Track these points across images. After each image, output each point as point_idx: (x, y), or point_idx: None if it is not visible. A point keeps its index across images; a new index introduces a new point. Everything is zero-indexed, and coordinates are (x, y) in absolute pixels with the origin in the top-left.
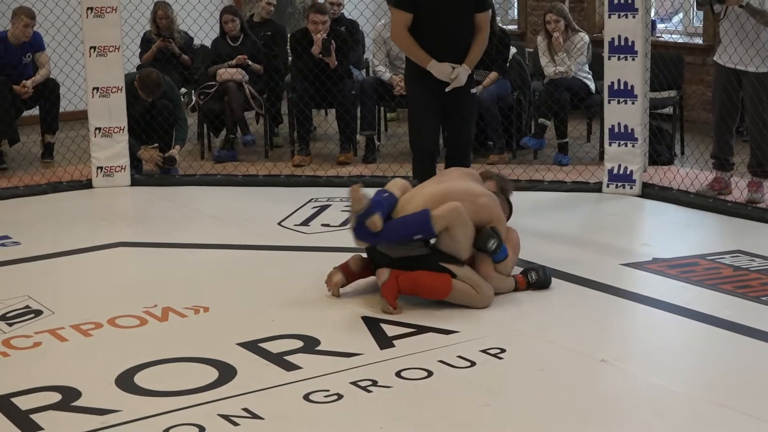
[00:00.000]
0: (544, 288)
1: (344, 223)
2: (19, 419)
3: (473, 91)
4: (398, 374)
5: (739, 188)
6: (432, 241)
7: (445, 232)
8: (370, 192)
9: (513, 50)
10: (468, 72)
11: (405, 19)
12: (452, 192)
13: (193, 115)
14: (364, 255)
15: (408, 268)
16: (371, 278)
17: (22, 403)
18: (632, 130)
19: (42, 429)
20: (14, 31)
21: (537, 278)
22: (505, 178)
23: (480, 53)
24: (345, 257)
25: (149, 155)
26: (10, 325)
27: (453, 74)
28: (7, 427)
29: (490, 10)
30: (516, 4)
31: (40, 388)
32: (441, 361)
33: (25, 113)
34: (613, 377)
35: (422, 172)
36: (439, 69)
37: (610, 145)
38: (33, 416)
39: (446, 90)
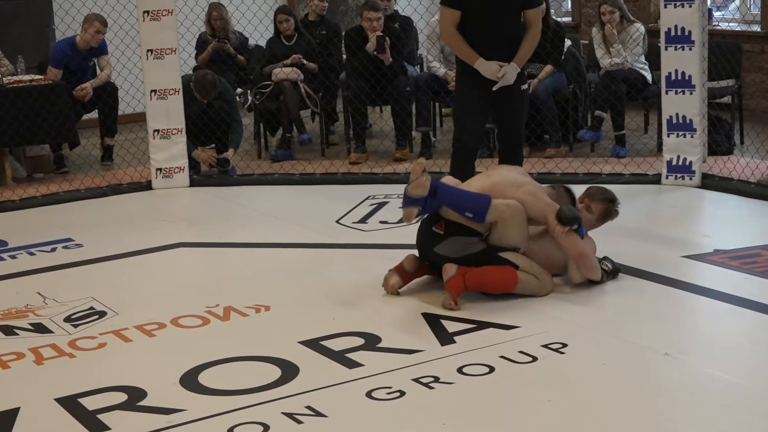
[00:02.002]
0: (618, 273)
1: (402, 220)
2: (87, 419)
3: (524, 87)
4: (460, 370)
5: None
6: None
7: (495, 227)
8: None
9: (568, 43)
10: (517, 70)
11: (453, 17)
12: (500, 184)
13: (250, 115)
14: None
15: (473, 265)
16: (428, 276)
17: (89, 403)
18: (691, 120)
19: (109, 429)
20: (84, 36)
21: (611, 266)
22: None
23: (530, 51)
24: (404, 254)
25: (205, 156)
26: (75, 326)
27: (500, 73)
28: (75, 427)
29: (542, 7)
30: None
31: (106, 388)
32: (502, 357)
33: (85, 116)
34: (677, 371)
35: (460, 169)
36: (487, 67)
37: (668, 136)
38: (100, 416)
39: (493, 89)
